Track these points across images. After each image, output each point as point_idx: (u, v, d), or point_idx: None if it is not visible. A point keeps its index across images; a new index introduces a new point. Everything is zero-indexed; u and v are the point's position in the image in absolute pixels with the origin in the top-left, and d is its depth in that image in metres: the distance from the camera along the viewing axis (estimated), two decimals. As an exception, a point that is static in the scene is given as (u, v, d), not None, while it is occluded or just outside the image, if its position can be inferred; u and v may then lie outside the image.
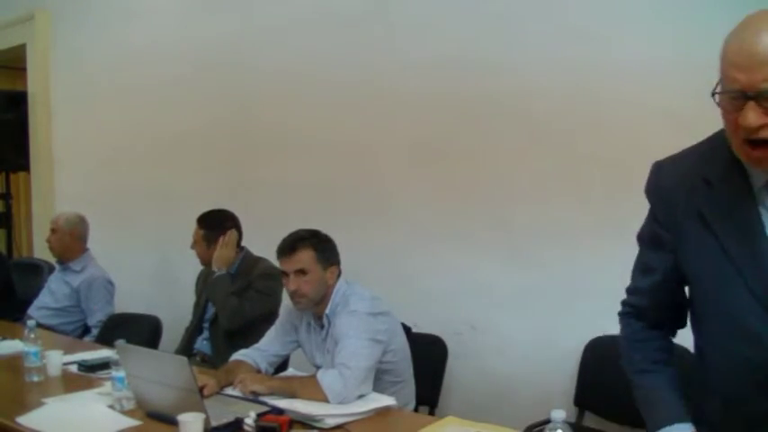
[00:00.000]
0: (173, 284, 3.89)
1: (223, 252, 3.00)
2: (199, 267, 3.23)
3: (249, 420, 1.79)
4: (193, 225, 3.15)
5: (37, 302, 3.62)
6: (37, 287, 3.80)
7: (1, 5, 5.03)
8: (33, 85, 4.80)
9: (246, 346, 2.41)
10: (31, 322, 2.34)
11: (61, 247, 3.63)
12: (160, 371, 1.90)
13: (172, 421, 1.75)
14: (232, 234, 3.04)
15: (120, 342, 2.03)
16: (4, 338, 2.85)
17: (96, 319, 3.53)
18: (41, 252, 4.49)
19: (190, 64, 3.85)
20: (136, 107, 4.18)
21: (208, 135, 3.83)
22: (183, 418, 1.70)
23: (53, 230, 3.66)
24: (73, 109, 4.64)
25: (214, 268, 2.99)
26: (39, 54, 4.75)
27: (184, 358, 1.87)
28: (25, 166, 4.95)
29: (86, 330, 3.54)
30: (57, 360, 2.36)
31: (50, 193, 4.77)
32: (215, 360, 2.84)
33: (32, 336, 2.29)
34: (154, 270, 4.11)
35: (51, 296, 3.59)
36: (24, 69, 4.88)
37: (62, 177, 4.74)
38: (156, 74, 4.03)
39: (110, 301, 3.61)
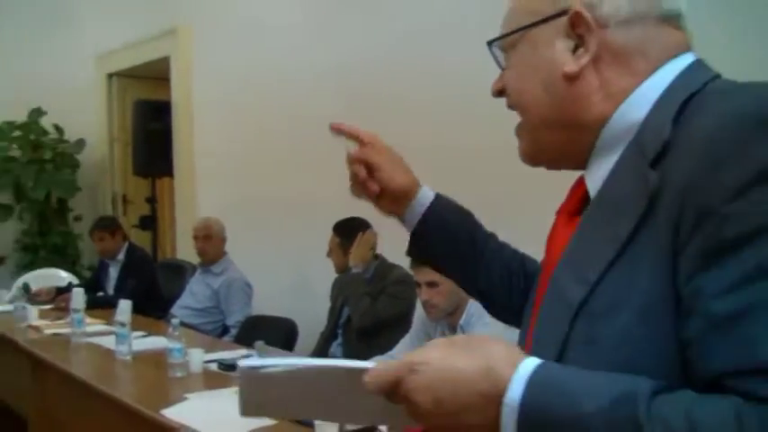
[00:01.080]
0: (308, 290, 4.32)
1: (359, 250, 3.28)
2: (334, 275, 3.58)
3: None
4: (330, 233, 3.44)
5: (179, 302, 4.12)
6: (180, 287, 4.32)
7: (147, 21, 5.71)
8: (177, 95, 5.41)
9: (378, 349, 2.66)
10: (175, 321, 2.74)
11: (215, 252, 4.10)
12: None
13: (307, 422, 1.87)
14: (369, 233, 3.30)
15: (260, 343, 2.29)
16: (150, 334, 3.34)
17: (235, 319, 3.97)
18: (184, 254, 5.03)
19: (327, 75, 4.26)
20: (273, 115, 4.65)
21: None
22: (320, 419, 1.89)
23: (207, 236, 4.09)
24: (213, 118, 5.18)
25: (350, 264, 3.28)
26: (181, 66, 5.38)
27: (319, 360, 2.11)
28: (169, 172, 5.53)
29: (225, 330, 3.98)
30: (198, 358, 2.71)
31: (192, 199, 5.33)
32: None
33: (176, 333, 2.68)
34: (290, 275, 4.54)
35: (193, 297, 4.07)
36: (168, 80, 5.47)
37: (203, 183, 5.26)
38: (293, 84, 4.48)
39: (248, 303, 4.05)
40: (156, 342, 3.15)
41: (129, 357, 2.90)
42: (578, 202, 0.89)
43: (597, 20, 0.83)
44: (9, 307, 4.02)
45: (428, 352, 0.74)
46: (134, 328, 3.02)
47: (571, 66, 0.84)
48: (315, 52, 4.32)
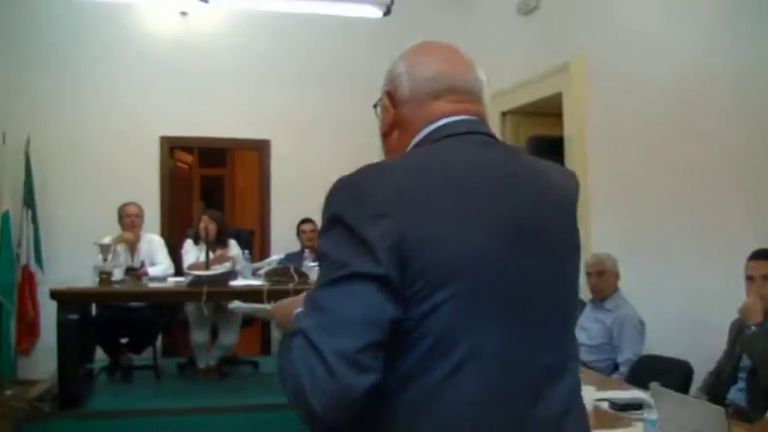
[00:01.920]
0: (702, 326, 4.12)
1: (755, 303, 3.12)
2: (732, 311, 3.37)
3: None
4: (736, 262, 3.33)
5: None
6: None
7: (540, 58, 5.93)
8: (570, 130, 5.52)
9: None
10: None
11: (608, 288, 4.14)
12: (694, 419, 2.06)
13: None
14: None
15: (654, 384, 2.26)
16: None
17: (625, 357, 3.95)
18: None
19: (724, 90, 4.08)
20: (672, 140, 4.55)
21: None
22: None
23: (600, 272, 4.16)
24: (606, 151, 5.21)
25: (746, 321, 3.08)
26: (574, 100, 5.49)
27: (721, 409, 2.05)
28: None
29: (615, 367, 3.94)
30: (589, 395, 2.72)
31: (585, 235, 5.30)
32: (750, 414, 2.97)
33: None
34: (682, 311, 4.38)
35: (585, 333, 4.12)
36: (560, 116, 5.61)
37: (595, 217, 5.31)
38: (691, 105, 4.36)
39: (640, 342, 4.03)
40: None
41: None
42: None
43: (396, 99, 1.41)
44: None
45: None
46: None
47: (383, 128, 1.45)
48: (709, 69, 4.14)
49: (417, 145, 1.34)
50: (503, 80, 6.64)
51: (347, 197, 1.22)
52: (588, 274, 4.34)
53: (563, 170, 1.46)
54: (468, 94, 1.38)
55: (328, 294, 1.16)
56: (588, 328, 4.22)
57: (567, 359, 1.32)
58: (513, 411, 1.22)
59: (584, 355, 4.00)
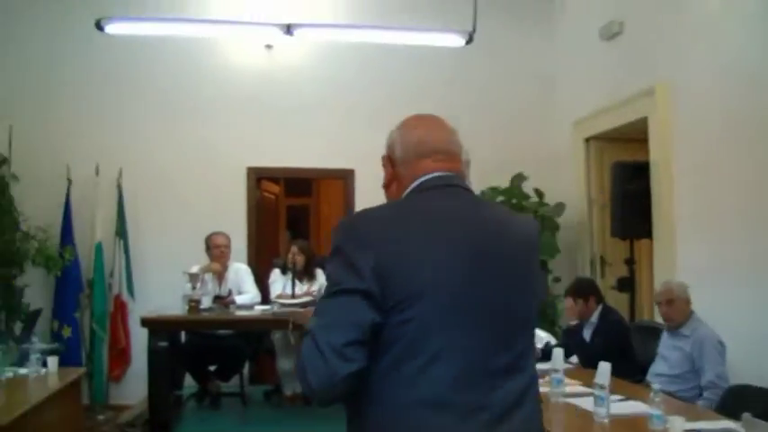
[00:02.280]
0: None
1: None
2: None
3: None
4: None
5: (652, 369, 4.18)
6: (654, 350, 4.33)
7: (624, 83, 5.94)
8: (655, 156, 5.51)
9: None
10: (655, 386, 2.80)
11: (680, 315, 4.11)
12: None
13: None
14: None
15: (747, 415, 2.25)
16: (627, 398, 3.47)
17: (707, 378, 3.95)
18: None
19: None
20: (749, 166, 4.54)
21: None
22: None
23: (669, 301, 4.15)
24: (695, 178, 5.13)
25: None
26: (660, 125, 5.47)
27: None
28: (648, 234, 5.60)
29: (700, 394, 3.89)
30: (679, 426, 2.76)
31: (672, 261, 5.32)
32: None
33: (657, 399, 2.75)
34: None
35: (665, 363, 4.10)
36: (646, 141, 5.58)
37: (684, 245, 5.20)
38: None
39: (721, 362, 4.00)
40: (634, 407, 3.27)
41: (606, 420, 3.04)
42: None
43: (393, 160, 1.84)
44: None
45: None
46: (612, 392, 3.13)
47: (384, 182, 1.88)
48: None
49: (409, 194, 1.78)
50: (586, 106, 6.66)
51: (345, 234, 1.67)
52: (658, 303, 4.31)
53: (527, 218, 1.96)
54: (448, 155, 1.82)
55: (327, 303, 1.64)
56: (668, 357, 4.17)
57: (520, 359, 1.70)
58: (472, 399, 1.59)
59: (667, 386, 3.94)
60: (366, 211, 1.74)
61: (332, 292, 1.62)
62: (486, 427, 1.60)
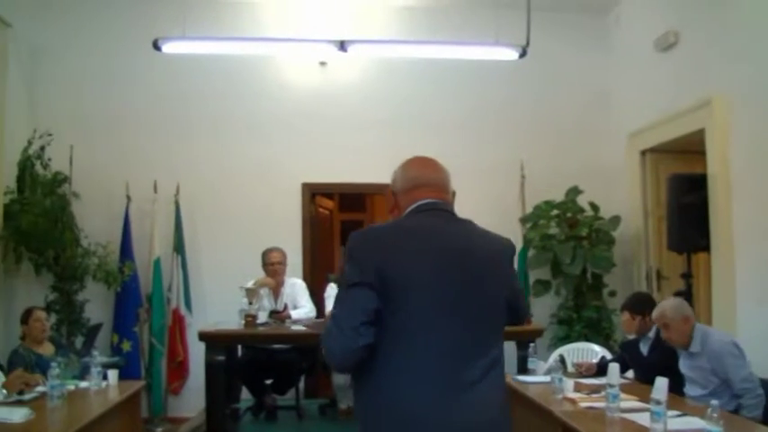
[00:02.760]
0: None
1: None
2: None
3: None
4: None
5: (688, 392, 4.15)
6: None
7: (680, 94, 5.90)
8: (713, 168, 5.45)
9: None
10: (714, 402, 2.85)
11: (682, 336, 4.05)
12: None
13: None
14: None
15: None
16: (684, 414, 3.41)
17: (737, 387, 3.91)
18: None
19: None
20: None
21: None
22: None
23: (665, 325, 4.15)
24: (754, 189, 5.00)
25: None
26: (717, 137, 5.39)
27: None
28: (706, 248, 5.53)
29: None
30: None
31: (730, 275, 5.23)
32: None
33: (715, 415, 2.75)
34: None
35: (697, 385, 4.09)
36: (703, 153, 5.52)
37: (743, 259, 5.12)
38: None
39: (742, 365, 3.95)
40: (691, 423, 3.24)
41: (663, 437, 3.01)
42: None
43: (395, 192, 2.36)
44: (546, 378, 4.47)
45: None
46: (668, 407, 3.11)
47: (388, 209, 2.43)
48: None
49: (406, 215, 2.32)
50: (641, 118, 6.62)
51: (357, 243, 2.20)
52: (665, 325, 4.22)
53: (498, 237, 2.38)
54: (435, 187, 2.36)
55: (343, 294, 2.17)
56: (696, 380, 4.09)
57: (487, 346, 2.22)
58: (447, 373, 2.11)
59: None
60: (372, 227, 2.43)
61: (347, 286, 2.16)
62: (455, 391, 2.12)
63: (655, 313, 4.30)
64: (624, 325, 4.73)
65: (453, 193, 2.44)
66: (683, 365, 4.22)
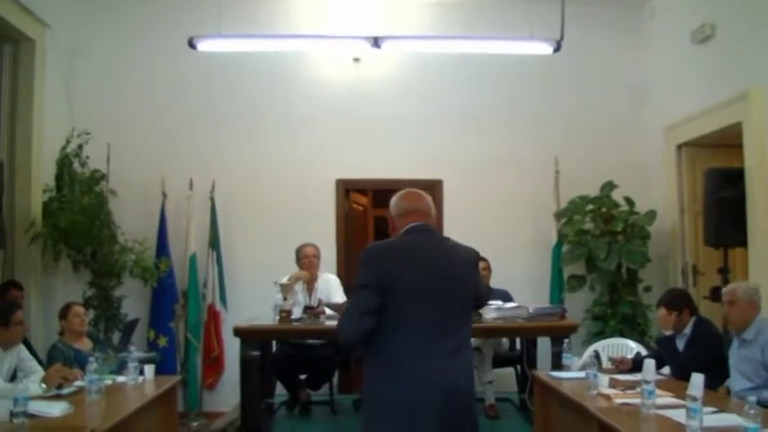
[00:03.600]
0: None
1: None
2: None
3: None
4: None
5: (732, 386, 4.07)
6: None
7: (716, 88, 5.85)
8: (750, 162, 5.38)
9: None
10: (751, 398, 2.81)
11: (742, 317, 3.99)
12: None
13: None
14: None
15: None
16: (720, 411, 3.37)
17: None
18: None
19: None
20: None
21: None
22: None
23: (731, 302, 4.10)
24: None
25: None
26: (755, 131, 5.30)
27: None
28: (743, 243, 5.46)
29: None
30: None
31: (767, 269, 5.15)
32: None
33: (752, 412, 2.70)
34: None
35: (742, 376, 4.03)
36: (740, 147, 5.44)
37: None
38: None
39: None
40: (728, 419, 3.20)
41: (699, 433, 2.98)
42: None
43: (393, 217, 3.22)
44: (580, 374, 4.44)
45: None
46: (705, 404, 3.08)
47: (390, 230, 3.26)
48: None
49: (401, 235, 3.14)
50: (677, 112, 6.54)
51: (367, 255, 3.04)
52: (723, 303, 4.20)
53: (468, 248, 3.20)
54: (421, 213, 3.18)
55: (356, 292, 3.03)
56: (744, 371, 4.01)
57: (459, 325, 3.06)
58: (430, 346, 2.94)
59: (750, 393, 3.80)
60: (377, 244, 3.23)
61: (359, 285, 3.02)
62: (438, 362, 2.93)
63: (726, 288, 4.28)
64: (660, 321, 4.69)
65: (434, 216, 3.26)
66: (732, 354, 4.18)
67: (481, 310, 5.62)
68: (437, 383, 2.90)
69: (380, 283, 2.95)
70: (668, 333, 4.63)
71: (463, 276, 3.12)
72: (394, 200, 3.24)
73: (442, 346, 2.96)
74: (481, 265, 6.61)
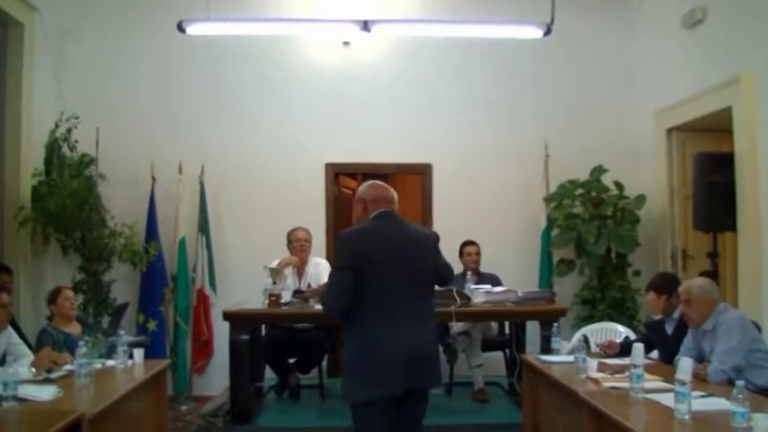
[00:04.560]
0: None
1: None
2: None
3: None
4: None
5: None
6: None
7: (706, 72, 5.82)
8: (740, 147, 5.37)
9: None
10: (740, 383, 2.80)
11: (700, 315, 3.97)
12: None
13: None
14: None
15: None
16: (710, 395, 3.37)
17: (729, 363, 3.76)
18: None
19: None
20: None
21: None
22: None
23: (687, 300, 4.08)
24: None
25: None
26: (745, 115, 5.31)
27: None
28: (732, 227, 5.46)
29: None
30: (763, 423, 2.66)
31: (758, 254, 5.15)
32: None
33: (740, 396, 2.70)
34: None
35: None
36: (730, 131, 5.43)
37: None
38: None
39: (738, 334, 3.85)
40: (717, 403, 3.20)
41: (687, 417, 2.99)
42: None
43: (366, 202, 3.69)
44: (569, 358, 4.44)
45: None
46: (694, 388, 3.07)
47: (357, 214, 3.76)
48: None
49: (370, 220, 3.59)
50: (668, 96, 6.52)
51: (342, 240, 3.57)
52: (686, 301, 4.14)
53: (428, 230, 4.02)
54: (386, 201, 3.66)
55: (335, 272, 3.60)
56: (690, 353, 4.01)
57: (422, 297, 3.61)
58: (399, 314, 3.46)
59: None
60: (351, 230, 3.63)
61: (337, 267, 3.55)
62: (405, 328, 3.46)
63: (681, 287, 4.24)
64: (649, 305, 4.68)
65: (397, 203, 3.72)
66: (688, 338, 4.18)
67: (470, 294, 5.63)
68: (405, 345, 3.44)
69: (355, 265, 3.44)
70: (657, 317, 4.63)
71: (424, 255, 3.65)
72: (365, 188, 3.74)
73: (408, 315, 3.50)
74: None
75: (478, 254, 6.65)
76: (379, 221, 3.61)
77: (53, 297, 4.96)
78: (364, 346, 3.47)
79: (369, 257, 3.47)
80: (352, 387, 3.52)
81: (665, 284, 4.60)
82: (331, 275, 3.65)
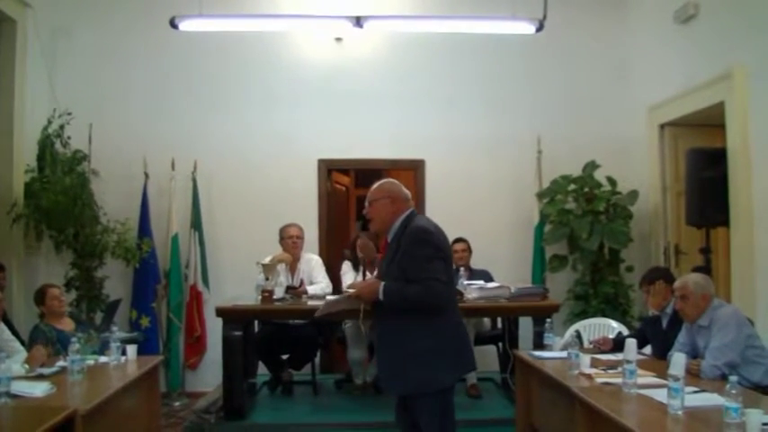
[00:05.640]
0: None
1: None
2: None
3: None
4: None
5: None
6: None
7: (699, 68, 5.81)
8: (732, 142, 5.35)
9: None
10: (733, 378, 2.78)
11: (695, 311, 3.95)
12: None
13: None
14: None
15: None
16: (704, 390, 3.35)
17: (725, 358, 3.75)
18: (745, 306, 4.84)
19: None
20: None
21: None
22: None
23: (683, 296, 4.07)
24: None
25: None
26: (737, 110, 5.29)
27: None
28: (725, 222, 5.44)
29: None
30: (756, 419, 2.65)
31: (750, 250, 5.13)
32: None
33: (734, 392, 2.68)
34: None
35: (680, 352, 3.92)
36: (723, 127, 5.42)
37: (762, 233, 5.03)
38: None
39: (739, 328, 3.86)
40: (710, 399, 3.18)
41: (680, 413, 2.98)
42: (386, 242, 3.85)
43: (397, 201, 3.77)
44: (562, 354, 4.43)
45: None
46: (687, 383, 3.06)
47: (387, 215, 3.81)
48: None
49: (412, 215, 3.75)
50: (660, 91, 6.51)
51: (430, 230, 3.66)
52: (683, 296, 4.12)
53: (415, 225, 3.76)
54: (409, 200, 3.81)
55: (431, 263, 3.53)
56: (684, 349, 4.00)
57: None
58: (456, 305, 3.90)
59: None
60: (429, 222, 3.77)
61: (431, 257, 3.53)
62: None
63: (677, 283, 4.23)
64: (658, 295, 4.54)
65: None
66: (682, 334, 4.17)
67: (463, 290, 5.62)
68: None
69: (447, 256, 3.69)
70: (655, 313, 4.59)
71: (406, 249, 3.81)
72: (392, 186, 3.82)
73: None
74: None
75: (466, 251, 6.66)
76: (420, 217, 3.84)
77: (40, 298, 4.92)
78: (449, 332, 3.62)
79: (449, 248, 3.85)
80: (437, 374, 3.53)
81: (669, 274, 4.62)
82: (425, 267, 3.50)
